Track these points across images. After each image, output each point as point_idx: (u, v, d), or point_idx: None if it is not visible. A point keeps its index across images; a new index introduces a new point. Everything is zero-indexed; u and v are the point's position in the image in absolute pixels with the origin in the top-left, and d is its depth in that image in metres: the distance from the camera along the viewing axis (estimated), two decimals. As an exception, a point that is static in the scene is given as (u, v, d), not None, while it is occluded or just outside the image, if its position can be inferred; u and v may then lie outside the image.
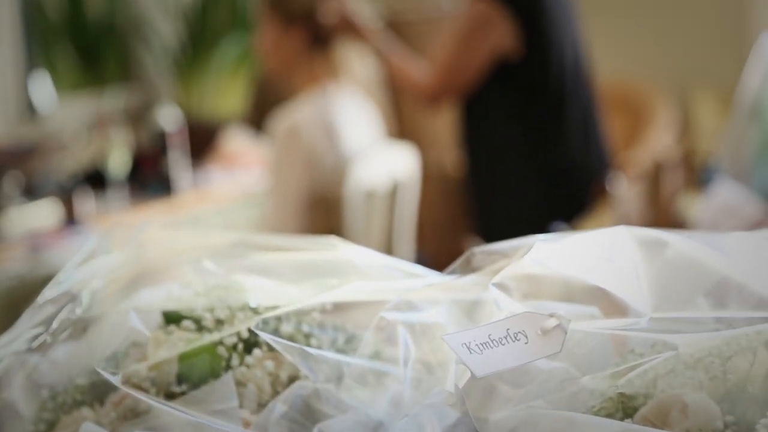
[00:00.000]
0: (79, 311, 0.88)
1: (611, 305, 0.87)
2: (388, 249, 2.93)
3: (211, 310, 0.89)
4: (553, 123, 2.93)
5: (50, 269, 2.67)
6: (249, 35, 3.76)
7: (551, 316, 0.80)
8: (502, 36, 2.84)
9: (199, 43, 3.79)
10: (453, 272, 0.92)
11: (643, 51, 4.75)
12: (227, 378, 0.84)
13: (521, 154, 2.94)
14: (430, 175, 4.28)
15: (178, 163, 3.20)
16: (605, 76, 4.70)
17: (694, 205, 4.33)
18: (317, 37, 2.82)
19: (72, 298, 0.89)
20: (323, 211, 2.70)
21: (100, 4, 3.91)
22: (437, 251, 4.29)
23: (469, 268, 0.90)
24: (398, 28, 4.22)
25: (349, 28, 2.87)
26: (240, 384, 0.84)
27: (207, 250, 0.97)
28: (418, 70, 2.95)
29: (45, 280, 2.56)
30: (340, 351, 0.89)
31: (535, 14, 2.87)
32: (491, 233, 2.95)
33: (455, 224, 4.34)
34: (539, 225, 2.75)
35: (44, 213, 2.98)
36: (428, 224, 4.31)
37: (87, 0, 3.85)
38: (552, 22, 2.91)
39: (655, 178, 4.18)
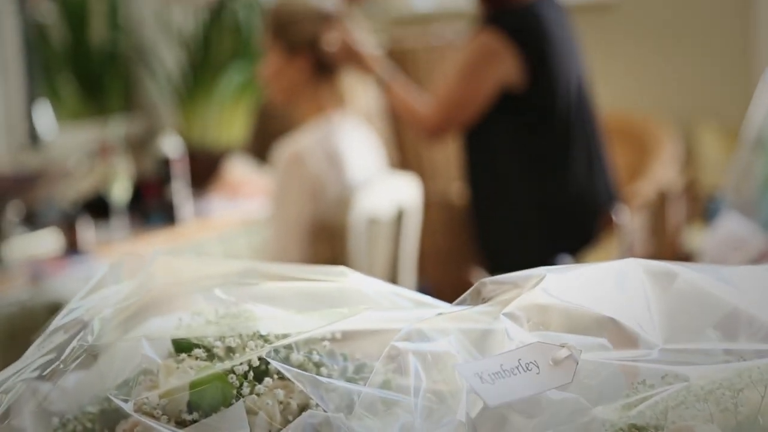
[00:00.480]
0: (90, 339, 0.88)
1: (621, 336, 0.87)
2: (392, 278, 2.93)
3: (222, 338, 0.89)
4: (558, 155, 2.93)
5: (51, 297, 2.67)
6: (252, 64, 3.77)
7: (562, 346, 0.80)
8: (507, 69, 2.84)
9: (202, 72, 3.80)
10: (463, 302, 0.92)
11: (648, 83, 4.77)
12: (238, 406, 0.84)
13: (525, 186, 2.93)
14: (432, 205, 4.29)
15: (180, 192, 3.21)
16: (610, 108, 4.72)
17: (699, 238, 4.35)
18: (321, 66, 2.83)
19: (83, 326, 0.90)
20: (326, 240, 2.70)
21: (103, 32, 3.93)
22: (439, 281, 4.29)
23: (479, 298, 0.91)
24: (400, 56, 4.24)
25: (352, 56, 2.86)
26: (251, 412, 0.84)
27: (217, 278, 0.97)
28: (421, 103, 2.95)
29: (46, 308, 2.55)
30: (350, 380, 0.89)
31: (541, 47, 2.87)
32: (494, 265, 2.95)
33: (457, 254, 4.34)
34: (543, 258, 2.75)
35: (46, 241, 2.98)
36: (430, 254, 4.32)
37: (90, 28, 3.87)
38: (557, 54, 2.91)
39: (659, 209, 4.19)
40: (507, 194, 2.96)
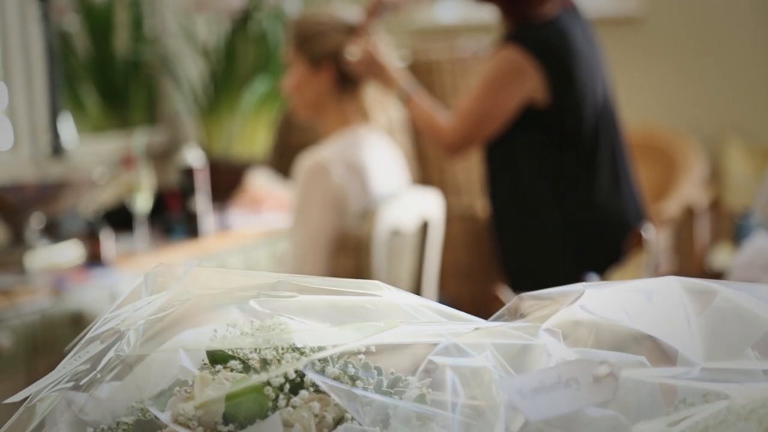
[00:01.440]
0: (126, 349, 0.88)
1: (659, 354, 0.87)
2: (415, 292, 2.92)
3: (258, 350, 0.89)
4: (583, 172, 2.89)
5: (73, 308, 2.67)
6: (277, 75, 3.78)
7: (603, 363, 0.79)
8: (531, 85, 2.81)
9: (225, 83, 3.82)
10: (500, 317, 0.92)
11: (674, 99, 4.76)
12: (274, 418, 0.84)
13: (549, 204, 2.89)
14: (453, 220, 4.28)
15: (202, 204, 3.21)
16: (635, 124, 4.71)
17: (726, 256, 4.32)
18: (345, 79, 2.82)
19: (119, 336, 0.90)
20: (348, 252, 2.69)
21: (128, 43, 3.94)
22: (458, 296, 4.29)
23: (516, 314, 0.90)
24: (424, 68, 4.25)
25: (374, 68, 2.84)
26: (286, 425, 0.84)
27: (251, 290, 0.97)
28: (442, 118, 2.92)
29: (68, 319, 2.55)
30: (385, 394, 0.89)
31: (566, 62, 2.83)
32: (516, 282, 2.93)
33: (478, 269, 4.33)
34: (568, 277, 2.73)
35: (68, 252, 2.99)
36: (451, 269, 4.31)
37: (114, 39, 3.88)
38: (582, 69, 2.87)
39: (686, 227, 4.17)
40: (530, 211, 2.93)
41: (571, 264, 2.87)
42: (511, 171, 2.93)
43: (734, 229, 1.52)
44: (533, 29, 2.87)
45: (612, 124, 2.97)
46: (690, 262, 4.31)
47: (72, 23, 3.83)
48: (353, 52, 2.82)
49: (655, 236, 2.77)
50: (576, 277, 2.57)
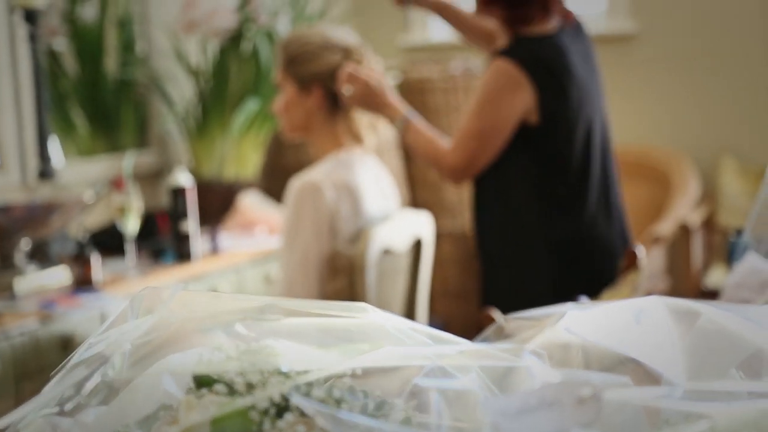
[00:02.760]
0: (111, 374, 0.88)
1: (644, 374, 0.87)
2: (406, 314, 2.91)
3: (243, 374, 0.89)
4: (574, 195, 2.85)
5: (62, 332, 2.66)
6: (267, 97, 3.78)
7: (586, 384, 0.80)
8: (525, 99, 2.75)
9: (216, 105, 3.81)
10: (485, 339, 0.92)
11: (667, 117, 4.75)
12: (259, 443, 0.84)
13: (538, 226, 2.85)
14: (442, 242, 4.28)
15: (193, 226, 3.21)
16: (628, 143, 4.71)
17: (721, 276, 4.32)
18: (335, 100, 2.80)
19: (104, 360, 0.90)
20: (339, 273, 2.69)
21: (118, 64, 3.94)
22: (448, 317, 4.29)
23: (501, 335, 0.91)
24: (415, 86, 4.26)
25: (372, 101, 2.77)
26: (272, 449, 0.84)
27: (237, 314, 0.97)
28: (444, 143, 2.83)
29: (57, 343, 2.53)
30: (371, 416, 0.89)
31: (560, 80, 2.75)
32: (503, 305, 2.89)
33: (466, 291, 4.34)
34: (557, 299, 2.70)
35: (57, 275, 2.98)
36: (440, 291, 4.31)
37: (104, 61, 3.88)
38: (578, 88, 2.79)
39: (680, 247, 4.17)
40: (519, 233, 2.89)
41: (558, 288, 2.85)
42: (500, 193, 2.88)
43: (728, 248, 1.53)
44: (528, 44, 2.81)
45: (605, 148, 2.91)
46: (685, 282, 4.32)
47: (61, 44, 3.83)
48: (347, 88, 2.78)
49: (648, 257, 2.74)
50: (564, 299, 2.55)
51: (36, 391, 0.90)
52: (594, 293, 2.66)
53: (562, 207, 2.85)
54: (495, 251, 2.94)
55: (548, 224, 2.84)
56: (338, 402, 0.89)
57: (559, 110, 2.79)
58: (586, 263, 2.87)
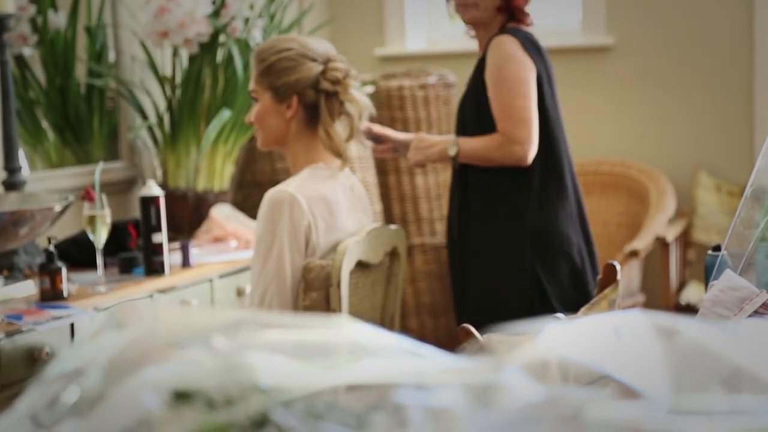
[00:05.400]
0: (87, 388, 0.87)
1: (624, 389, 0.87)
2: (381, 327, 2.90)
3: (222, 389, 0.88)
4: (559, 188, 2.97)
5: (30, 345, 2.63)
6: (241, 107, 3.75)
7: (568, 400, 0.79)
8: (533, 70, 2.95)
9: (188, 115, 3.78)
10: (464, 354, 0.91)
11: (642, 132, 4.76)
12: (238, 458, 0.83)
13: (518, 217, 2.94)
14: (414, 256, 4.29)
15: (163, 238, 3.19)
16: (607, 159, 4.73)
17: (697, 292, 4.33)
18: (311, 112, 2.79)
19: (79, 374, 0.88)
20: (315, 286, 2.68)
21: (88, 73, 3.91)
22: (422, 331, 4.28)
23: (481, 351, 0.90)
24: (392, 94, 4.27)
25: (427, 152, 3.02)
26: (250, 465, 0.83)
27: (215, 327, 0.96)
28: (490, 137, 2.92)
29: (24, 356, 2.50)
30: (350, 433, 0.88)
31: (546, 67, 3.02)
32: (477, 319, 2.91)
33: (439, 305, 4.33)
34: (532, 313, 2.72)
35: (25, 287, 2.95)
36: (411, 304, 4.31)
37: (74, 70, 3.85)
38: (552, 86, 3.03)
39: (657, 262, 4.19)
40: (499, 223, 2.96)
41: (535, 300, 2.87)
42: (484, 183, 2.98)
43: (704, 264, 1.53)
44: (522, 31, 3.00)
45: (569, 153, 3.04)
46: (661, 298, 4.33)
47: (30, 53, 3.79)
48: (409, 157, 3.04)
49: (624, 273, 2.79)
50: (543, 314, 2.57)
51: (2, 405, 0.89)
52: (576, 308, 2.71)
53: (544, 198, 2.93)
54: (469, 260, 2.98)
55: (529, 214, 2.91)
56: (317, 417, 0.88)
57: (545, 92, 2.96)
58: (562, 255, 2.93)
